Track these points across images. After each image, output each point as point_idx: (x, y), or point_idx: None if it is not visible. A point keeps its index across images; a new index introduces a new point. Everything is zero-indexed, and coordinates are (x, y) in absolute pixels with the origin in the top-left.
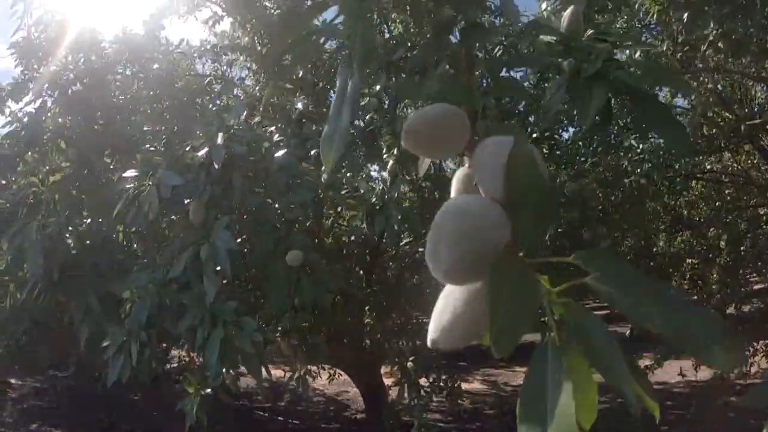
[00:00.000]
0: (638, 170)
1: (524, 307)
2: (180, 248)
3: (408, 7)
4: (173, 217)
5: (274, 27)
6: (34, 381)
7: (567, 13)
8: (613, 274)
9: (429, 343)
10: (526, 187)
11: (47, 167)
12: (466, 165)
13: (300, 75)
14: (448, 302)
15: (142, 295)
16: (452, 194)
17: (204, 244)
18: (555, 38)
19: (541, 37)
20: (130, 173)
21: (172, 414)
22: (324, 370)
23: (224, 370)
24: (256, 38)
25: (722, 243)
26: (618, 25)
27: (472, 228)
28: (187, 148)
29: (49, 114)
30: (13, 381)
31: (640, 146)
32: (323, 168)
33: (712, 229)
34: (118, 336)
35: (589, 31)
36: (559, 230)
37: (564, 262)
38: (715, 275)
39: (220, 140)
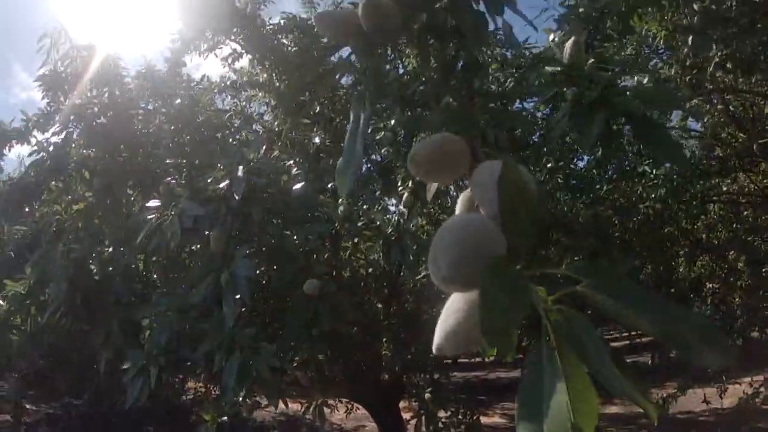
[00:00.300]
0: (653, 196)
1: (514, 307)
2: (200, 276)
3: (416, 47)
4: (193, 247)
5: (292, 64)
6: (48, 407)
7: (568, 44)
8: (603, 282)
9: (434, 350)
10: (516, 203)
11: (70, 196)
12: (469, 188)
13: (317, 110)
14: (452, 311)
15: (162, 321)
16: (456, 213)
17: (224, 272)
18: (558, 69)
19: (546, 68)
20: (153, 203)
21: None
22: (341, 403)
23: (241, 398)
24: (274, 75)
25: (740, 265)
26: (627, 52)
27: (467, 240)
28: (209, 180)
29: (73, 145)
30: (27, 406)
31: (654, 172)
32: (340, 201)
33: (732, 252)
34: (138, 359)
35: (591, 60)
36: (576, 258)
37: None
38: (737, 298)
39: (240, 173)
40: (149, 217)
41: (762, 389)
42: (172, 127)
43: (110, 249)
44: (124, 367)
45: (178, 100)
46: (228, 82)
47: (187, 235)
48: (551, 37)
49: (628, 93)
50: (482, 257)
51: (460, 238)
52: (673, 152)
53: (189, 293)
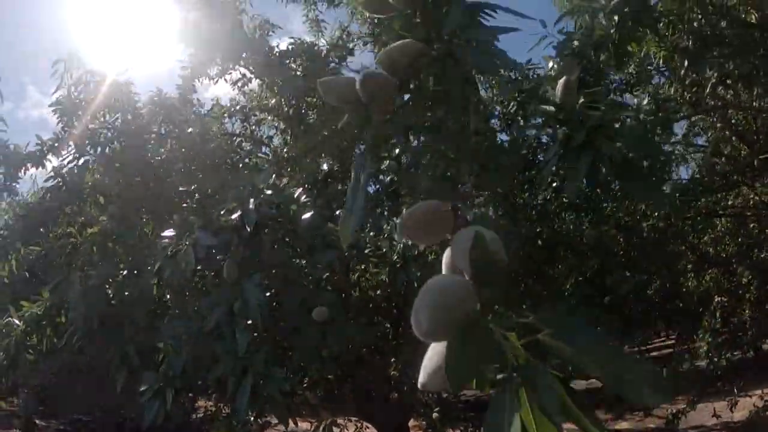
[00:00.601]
0: (656, 214)
1: (479, 357)
2: (214, 303)
3: (411, 104)
4: (206, 272)
5: (300, 89)
6: (59, 423)
7: (560, 84)
8: (562, 331)
9: (419, 386)
10: (485, 269)
11: (83, 218)
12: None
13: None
14: (435, 353)
15: (177, 348)
16: (443, 270)
17: (236, 299)
18: (551, 108)
19: (541, 106)
20: (168, 233)
21: None
22: (350, 422)
23: (252, 418)
24: (282, 100)
25: (744, 279)
26: (629, 70)
27: (443, 302)
28: (222, 212)
29: (88, 174)
30: (38, 421)
31: None
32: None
33: (739, 266)
34: (154, 381)
35: (581, 100)
36: (580, 278)
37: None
38: (746, 312)
39: (251, 205)
40: (164, 245)
41: None
42: (183, 150)
43: (125, 272)
44: (142, 389)
45: (190, 129)
46: (238, 107)
47: (201, 264)
48: (550, 64)
49: (616, 132)
50: (454, 317)
51: (438, 298)
52: (652, 194)
53: (203, 319)
